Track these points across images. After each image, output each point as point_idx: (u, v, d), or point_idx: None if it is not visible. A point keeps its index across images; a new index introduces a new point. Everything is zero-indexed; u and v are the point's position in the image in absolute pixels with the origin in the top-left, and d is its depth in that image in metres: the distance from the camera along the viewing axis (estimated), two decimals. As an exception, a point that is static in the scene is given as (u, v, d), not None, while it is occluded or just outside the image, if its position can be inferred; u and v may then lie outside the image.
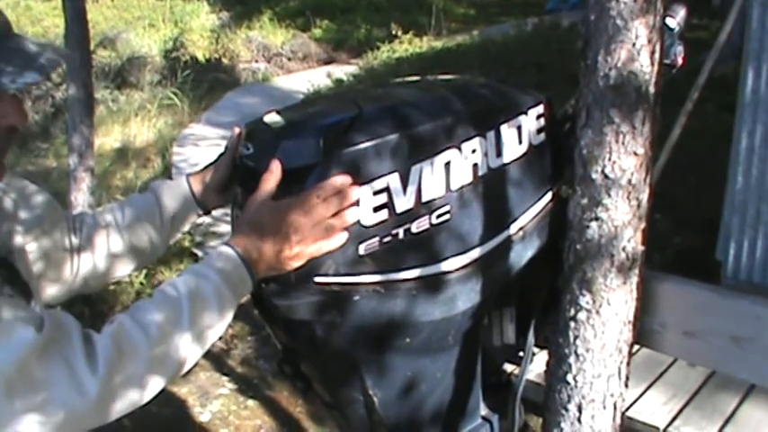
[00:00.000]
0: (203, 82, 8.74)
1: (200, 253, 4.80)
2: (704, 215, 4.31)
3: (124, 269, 1.43)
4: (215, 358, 4.11)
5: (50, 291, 1.35)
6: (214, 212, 1.47)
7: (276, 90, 8.76)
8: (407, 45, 9.61)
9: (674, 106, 3.02)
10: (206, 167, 1.44)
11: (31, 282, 1.23)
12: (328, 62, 10.33)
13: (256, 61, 10.14)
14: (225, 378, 3.94)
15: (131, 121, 7.53)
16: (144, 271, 4.44)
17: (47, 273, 1.31)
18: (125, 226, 1.38)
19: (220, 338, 4.21)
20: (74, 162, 4.44)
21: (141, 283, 4.54)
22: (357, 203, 1.20)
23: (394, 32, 9.88)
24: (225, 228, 4.82)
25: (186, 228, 1.46)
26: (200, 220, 1.53)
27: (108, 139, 7.20)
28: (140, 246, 1.40)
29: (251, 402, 3.72)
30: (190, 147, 6.98)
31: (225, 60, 9.91)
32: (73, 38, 4.27)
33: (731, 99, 3.91)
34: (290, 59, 10.35)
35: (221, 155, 1.43)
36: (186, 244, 4.73)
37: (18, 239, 1.24)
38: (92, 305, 4.28)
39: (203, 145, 6.93)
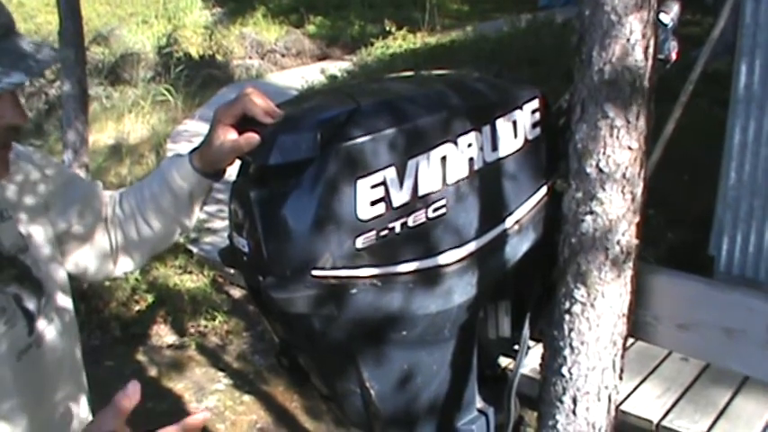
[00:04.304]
0: (197, 78, 8.71)
1: (194, 249, 4.80)
2: (697, 210, 4.33)
3: (144, 252, 1.45)
4: (211, 354, 4.12)
5: (87, 262, 1.37)
6: (208, 209, 1.48)
7: (270, 86, 8.73)
8: (401, 41, 9.59)
9: (668, 102, 3.04)
10: (202, 145, 1.46)
11: (47, 275, 1.25)
12: (322, 58, 10.30)
13: (250, 57, 10.11)
14: (220, 373, 3.95)
15: (125, 117, 7.51)
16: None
17: (81, 243, 1.34)
18: (144, 211, 1.40)
19: (216, 334, 4.25)
20: (68, 158, 4.44)
21: (136, 279, 4.54)
22: None
23: (387, 28, 9.85)
24: (219, 224, 4.84)
25: (206, 198, 1.48)
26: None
27: (102, 135, 7.17)
28: (160, 227, 1.42)
29: (247, 398, 3.73)
30: (183, 143, 6.94)
31: (218, 57, 9.88)
32: (68, 34, 4.27)
33: (724, 94, 3.93)
34: (283, 56, 10.33)
35: (210, 130, 1.43)
36: (181, 240, 4.72)
37: (42, 216, 1.27)
38: (87, 301, 4.29)
39: (197, 141, 6.83)
